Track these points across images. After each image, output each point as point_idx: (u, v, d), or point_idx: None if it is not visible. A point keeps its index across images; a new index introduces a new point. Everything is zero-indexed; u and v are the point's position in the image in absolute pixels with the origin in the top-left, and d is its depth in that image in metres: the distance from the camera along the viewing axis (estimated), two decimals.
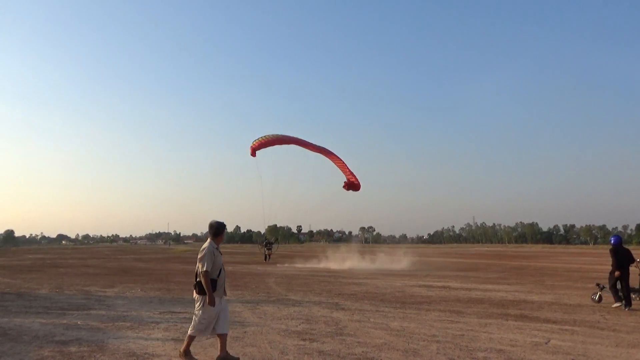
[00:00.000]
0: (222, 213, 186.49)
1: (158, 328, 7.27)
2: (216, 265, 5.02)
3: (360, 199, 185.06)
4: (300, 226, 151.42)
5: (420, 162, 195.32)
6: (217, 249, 5.12)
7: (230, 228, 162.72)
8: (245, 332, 6.93)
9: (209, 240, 5.17)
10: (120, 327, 7.36)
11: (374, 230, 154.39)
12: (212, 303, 4.91)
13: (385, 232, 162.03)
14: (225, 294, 5.16)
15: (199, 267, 4.97)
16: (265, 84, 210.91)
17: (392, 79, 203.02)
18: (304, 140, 13.26)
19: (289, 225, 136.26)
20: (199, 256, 5.01)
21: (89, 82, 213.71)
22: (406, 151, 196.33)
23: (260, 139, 13.34)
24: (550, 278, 17.18)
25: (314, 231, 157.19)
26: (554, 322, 7.94)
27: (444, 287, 14.08)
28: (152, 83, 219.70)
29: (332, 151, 13.78)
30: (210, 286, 4.92)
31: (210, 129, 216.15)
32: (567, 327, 7.54)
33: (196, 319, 4.99)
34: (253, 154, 13.63)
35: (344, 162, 13.83)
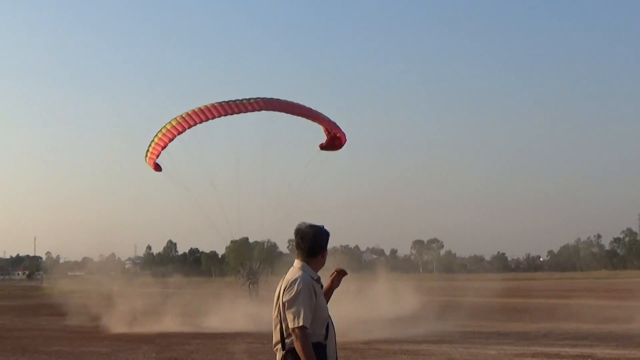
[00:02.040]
0: (141, 223, 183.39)
1: None
2: (320, 316, 5.05)
3: (411, 192, 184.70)
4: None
5: (525, 131, 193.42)
6: (317, 281, 5.14)
7: (157, 247, 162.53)
8: None
9: (299, 264, 5.18)
10: None
11: (442, 246, 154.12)
12: None
13: (462, 251, 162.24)
14: None
15: (289, 320, 4.95)
16: (224, 17, 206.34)
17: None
18: (234, 103, 15.48)
19: (274, 240, 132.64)
20: (284, 298, 5.01)
21: None
22: (495, 110, 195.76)
23: (153, 145, 15.90)
24: None
25: None
26: None
27: (581, 355, 14.34)
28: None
29: (287, 100, 16.38)
30: (313, 356, 4.88)
31: (116, 81, 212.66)
32: None
33: None
34: (156, 168, 16.24)
35: (311, 109, 16.41)
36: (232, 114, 15.96)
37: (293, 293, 4.92)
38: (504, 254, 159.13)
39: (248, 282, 30.77)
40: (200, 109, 15.88)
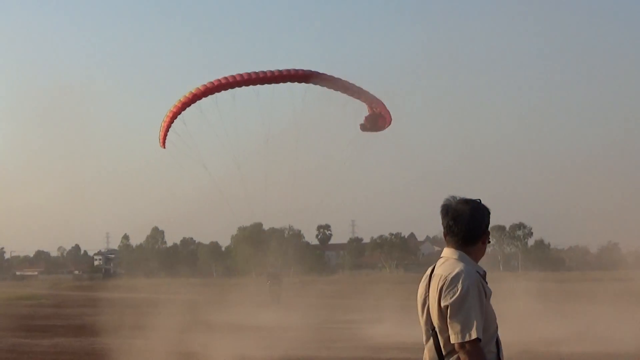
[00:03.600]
0: (115, 205, 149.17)
1: None
2: (491, 327, 4.32)
3: (486, 161, 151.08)
4: (327, 226, 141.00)
5: None
6: (483, 276, 4.34)
7: (138, 237, 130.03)
8: None
9: (454, 253, 4.36)
10: None
11: (530, 233, 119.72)
12: None
13: (559, 241, 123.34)
14: None
15: (453, 332, 4.17)
16: None
17: None
18: (261, 72, 16.93)
19: (296, 226, 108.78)
20: (444, 301, 4.20)
21: None
22: None
23: (165, 120, 17.24)
24: None
25: (363, 239, 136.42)
26: None
27: None
28: None
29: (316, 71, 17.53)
30: None
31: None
32: None
33: None
34: (163, 144, 17.86)
35: (353, 84, 17.36)
36: (260, 82, 16.67)
37: (457, 294, 4.14)
38: (616, 244, 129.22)
39: (269, 284, 31.16)
40: (224, 77, 16.77)
